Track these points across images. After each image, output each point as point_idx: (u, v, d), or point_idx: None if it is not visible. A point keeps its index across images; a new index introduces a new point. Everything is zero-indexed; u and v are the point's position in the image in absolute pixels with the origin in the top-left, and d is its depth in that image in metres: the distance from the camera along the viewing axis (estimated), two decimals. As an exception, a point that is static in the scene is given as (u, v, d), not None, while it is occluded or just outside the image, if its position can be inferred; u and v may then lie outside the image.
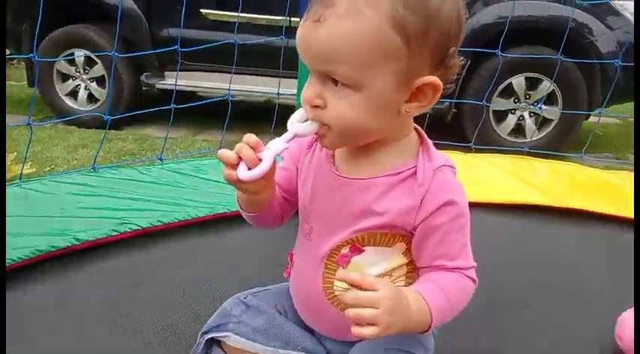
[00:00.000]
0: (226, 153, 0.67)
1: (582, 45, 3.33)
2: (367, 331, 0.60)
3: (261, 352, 0.81)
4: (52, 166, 3.12)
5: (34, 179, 1.46)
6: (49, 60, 3.66)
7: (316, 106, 0.66)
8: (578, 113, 3.37)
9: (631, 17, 3.33)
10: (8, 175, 2.49)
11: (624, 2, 3.32)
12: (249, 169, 0.66)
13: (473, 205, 1.59)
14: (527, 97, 3.51)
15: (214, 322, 0.84)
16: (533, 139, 3.55)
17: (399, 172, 0.70)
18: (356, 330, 0.61)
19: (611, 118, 4.83)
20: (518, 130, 3.56)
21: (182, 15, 2.09)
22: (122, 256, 1.19)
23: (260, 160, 0.66)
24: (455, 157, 1.91)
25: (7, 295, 1.04)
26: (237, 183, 0.68)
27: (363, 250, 0.73)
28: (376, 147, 0.71)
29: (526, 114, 3.55)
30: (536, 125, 3.51)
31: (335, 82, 0.64)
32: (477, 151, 2.14)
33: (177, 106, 1.88)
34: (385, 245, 0.73)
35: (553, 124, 3.53)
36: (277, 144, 0.68)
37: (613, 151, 3.99)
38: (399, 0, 0.61)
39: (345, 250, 0.74)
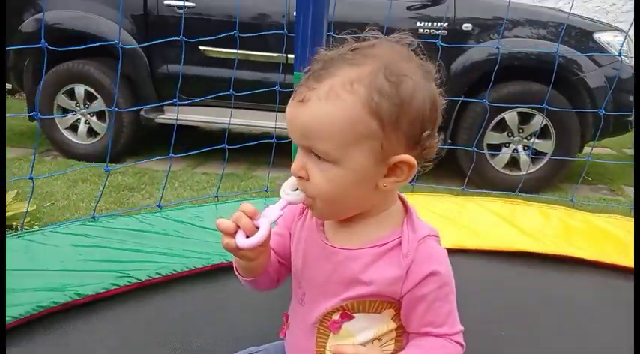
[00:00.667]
0: (224, 223, 0.71)
1: (571, 81, 3.42)
2: None
3: None
4: (53, 201, 3.14)
5: (35, 230, 1.50)
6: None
7: (301, 178, 0.71)
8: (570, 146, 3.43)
9: (615, 53, 3.43)
10: (9, 214, 2.52)
11: (607, 40, 3.43)
12: (247, 236, 0.70)
13: (465, 252, 1.63)
14: (521, 131, 3.58)
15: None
16: (528, 172, 3.61)
17: (385, 243, 0.74)
18: None
19: (605, 149, 4.91)
20: (513, 163, 3.61)
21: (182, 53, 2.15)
22: (121, 309, 1.22)
23: (257, 228, 0.70)
24: (448, 201, 1.96)
25: (12, 352, 1.06)
26: (236, 251, 0.71)
27: (353, 317, 0.76)
28: (363, 218, 0.75)
29: (520, 147, 3.61)
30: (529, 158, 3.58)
31: (317, 156, 0.69)
32: (470, 194, 2.19)
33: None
34: (374, 312, 0.76)
35: (547, 157, 3.59)
36: (272, 212, 0.72)
37: (608, 183, 4.04)
38: (374, 88, 0.66)
39: (336, 317, 0.77)
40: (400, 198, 0.78)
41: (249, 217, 0.71)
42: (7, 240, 1.43)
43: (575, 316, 1.34)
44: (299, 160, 0.71)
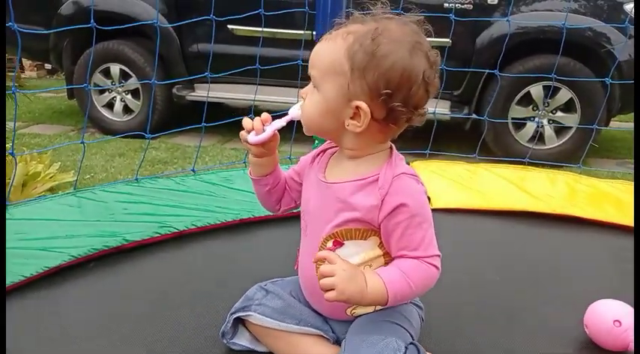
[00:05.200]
0: (246, 121, 0.93)
1: (600, 53, 3.38)
2: (329, 294, 0.79)
3: (278, 328, 0.97)
4: (92, 174, 3.35)
5: (85, 188, 1.66)
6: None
7: (303, 99, 0.90)
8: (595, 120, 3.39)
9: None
10: (52, 184, 2.72)
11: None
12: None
13: (472, 211, 1.71)
14: (546, 104, 3.57)
15: (240, 304, 1.00)
16: (552, 146, 3.61)
17: (366, 178, 0.87)
18: (325, 295, 0.79)
19: (628, 123, 4.82)
20: (539, 137, 3.61)
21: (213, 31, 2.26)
22: (164, 254, 1.38)
23: (264, 131, 0.91)
24: (460, 167, 2.04)
25: (67, 287, 1.22)
26: (245, 143, 0.93)
27: (344, 244, 0.89)
28: (352, 159, 0.90)
29: (545, 121, 3.61)
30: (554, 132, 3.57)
31: (314, 85, 0.87)
32: (482, 161, 2.26)
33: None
34: (361, 238, 0.88)
35: (572, 131, 3.58)
36: (277, 122, 0.92)
37: (613, 156, 4.00)
38: (359, 40, 0.82)
39: (330, 244, 0.89)
40: (390, 147, 0.91)
41: (262, 122, 0.91)
42: (62, 198, 1.60)
43: (571, 269, 1.43)
44: (308, 86, 0.89)
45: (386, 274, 0.85)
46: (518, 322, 1.16)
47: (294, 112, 0.92)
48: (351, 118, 0.84)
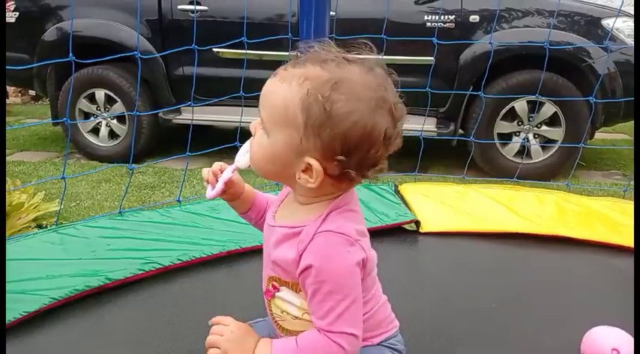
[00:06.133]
0: (203, 173, 0.90)
1: (580, 68, 3.43)
2: (211, 351, 0.78)
3: None
4: (77, 201, 3.30)
5: (67, 225, 1.62)
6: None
7: (251, 135, 0.82)
8: (580, 133, 3.43)
9: (626, 39, 3.43)
10: (36, 214, 2.67)
11: (616, 25, 3.42)
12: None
13: (465, 235, 1.70)
14: (530, 119, 3.61)
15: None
16: (538, 159, 3.64)
17: (295, 227, 0.79)
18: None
19: (619, 135, 4.89)
20: (525, 151, 3.64)
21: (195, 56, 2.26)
22: (148, 292, 1.35)
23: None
24: (449, 189, 2.04)
25: (49, 331, 1.18)
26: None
27: (279, 290, 0.85)
28: (299, 203, 0.83)
29: (530, 136, 3.64)
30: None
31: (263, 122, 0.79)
32: (470, 182, 2.27)
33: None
34: (292, 290, 0.83)
35: (557, 144, 3.61)
36: (225, 173, 0.88)
37: (621, 168, 4.04)
38: (317, 89, 0.73)
39: (270, 287, 0.86)
40: (338, 196, 0.81)
41: (214, 174, 0.88)
42: (43, 235, 1.56)
43: (565, 291, 1.42)
44: (256, 121, 0.81)
45: (280, 346, 0.79)
46: (514, 349, 1.14)
47: (240, 160, 0.86)
48: (303, 171, 0.76)
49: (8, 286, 1.29)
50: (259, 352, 0.78)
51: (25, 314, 1.19)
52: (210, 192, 0.88)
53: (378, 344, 0.89)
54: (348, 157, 0.74)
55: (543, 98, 3.15)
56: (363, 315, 0.82)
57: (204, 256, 1.48)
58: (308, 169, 0.75)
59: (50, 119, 4.28)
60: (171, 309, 1.28)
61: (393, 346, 0.90)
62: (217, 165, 0.89)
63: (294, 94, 0.74)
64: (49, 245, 1.49)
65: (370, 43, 0.80)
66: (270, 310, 0.89)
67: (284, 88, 0.75)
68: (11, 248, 1.48)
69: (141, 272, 1.38)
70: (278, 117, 0.75)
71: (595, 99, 2.52)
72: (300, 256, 0.77)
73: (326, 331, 0.76)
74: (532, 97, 3.24)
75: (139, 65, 2.10)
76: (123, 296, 1.31)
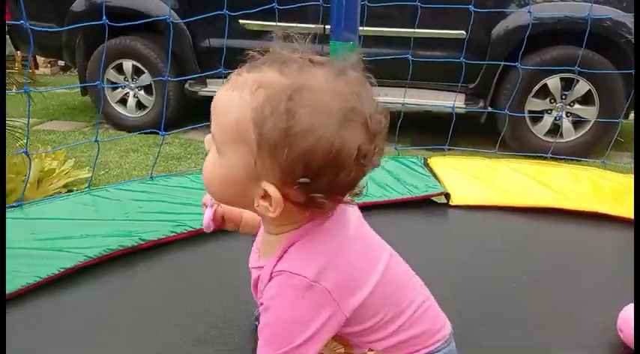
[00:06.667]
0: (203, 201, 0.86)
1: (619, 44, 3.30)
2: None
3: None
4: (106, 170, 3.36)
5: (100, 187, 1.65)
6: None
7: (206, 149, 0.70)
8: (615, 113, 3.31)
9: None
10: (67, 180, 2.73)
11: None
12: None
13: (496, 209, 1.67)
14: (563, 97, 3.50)
15: None
16: (570, 139, 3.54)
17: (259, 268, 0.72)
18: None
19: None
20: (556, 130, 3.55)
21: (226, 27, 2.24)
22: (179, 253, 1.36)
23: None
24: (480, 162, 1.99)
25: (83, 289, 1.21)
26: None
27: None
28: (266, 235, 0.73)
29: (563, 114, 3.54)
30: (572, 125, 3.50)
31: None
32: (501, 156, 2.22)
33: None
34: None
35: (590, 124, 3.51)
36: (207, 212, 0.85)
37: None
38: (270, 102, 0.59)
39: None
40: (304, 227, 0.68)
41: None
42: (76, 196, 1.59)
43: (601, 268, 1.38)
44: (209, 135, 0.68)
45: None
46: (548, 325, 1.13)
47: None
48: (262, 197, 0.64)
49: (44, 244, 1.32)
50: None
51: (62, 270, 1.22)
52: (207, 225, 0.86)
53: None
54: (313, 180, 0.60)
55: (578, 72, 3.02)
56: (380, 338, 0.75)
57: (234, 221, 1.49)
58: (267, 195, 0.63)
59: (80, 88, 4.34)
60: (200, 271, 1.30)
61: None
62: (203, 199, 0.85)
63: (245, 105, 0.61)
64: (82, 206, 1.51)
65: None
66: None
67: (235, 98, 0.62)
68: (46, 208, 1.52)
69: (172, 234, 1.39)
70: (229, 133, 0.63)
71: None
72: (260, 297, 0.70)
73: None
74: (569, 75, 3.14)
75: (170, 29, 2.09)
76: (155, 256, 1.33)
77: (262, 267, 0.71)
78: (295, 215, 0.66)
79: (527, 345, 1.07)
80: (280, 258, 0.68)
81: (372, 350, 0.77)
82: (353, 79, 0.63)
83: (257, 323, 0.99)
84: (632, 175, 1.92)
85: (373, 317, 0.72)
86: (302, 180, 0.60)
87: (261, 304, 0.69)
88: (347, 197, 0.67)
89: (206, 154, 0.68)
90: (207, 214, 0.85)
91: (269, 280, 0.68)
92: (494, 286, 1.26)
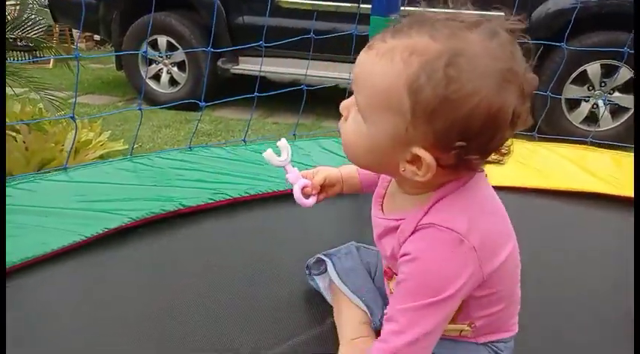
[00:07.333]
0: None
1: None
2: None
3: (338, 286, 0.95)
4: (140, 144, 3.42)
5: (141, 155, 1.69)
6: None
7: (341, 116, 0.71)
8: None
9: None
10: (103, 151, 2.80)
11: None
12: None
13: (536, 192, 1.63)
14: (603, 84, 3.41)
15: (331, 250, 1.01)
16: (607, 128, 3.45)
17: (397, 220, 0.71)
18: None
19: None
20: (593, 118, 3.46)
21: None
22: (217, 220, 1.39)
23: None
24: (519, 146, 1.96)
25: (125, 249, 1.24)
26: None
27: (394, 275, 0.79)
28: (406, 192, 0.73)
29: (600, 102, 3.45)
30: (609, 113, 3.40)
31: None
32: (540, 140, 2.17)
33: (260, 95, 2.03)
34: None
35: (630, 112, 3.41)
36: (295, 190, 0.89)
37: None
38: (427, 68, 0.59)
39: (387, 269, 0.82)
40: (447, 186, 0.68)
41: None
42: (119, 162, 1.63)
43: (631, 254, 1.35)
44: (349, 100, 0.70)
45: None
46: (578, 309, 1.11)
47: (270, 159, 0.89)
48: (409, 162, 0.64)
49: (88, 205, 1.36)
50: None
51: (106, 230, 1.25)
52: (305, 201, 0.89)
53: (482, 344, 0.80)
54: (468, 143, 0.60)
55: (619, 59, 2.92)
56: (486, 315, 0.75)
57: (270, 191, 1.51)
58: (415, 159, 0.63)
59: (114, 62, 4.41)
60: (235, 239, 1.32)
61: (495, 349, 0.80)
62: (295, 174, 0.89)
63: (398, 73, 0.60)
64: (124, 172, 1.55)
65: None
66: (390, 288, 0.84)
67: (384, 66, 0.61)
68: (89, 172, 1.56)
69: (211, 201, 1.42)
70: (378, 101, 0.63)
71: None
72: (400, 247, 0.69)
73: (388, 339, 0.67)
74: (610, 61, 3.04)
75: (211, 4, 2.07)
76: (195, 221, 1.36)
77: (397, 219, 0.71)
78: (442, 177, 0.66)
79: (554, 323, 1.05)
80: (427, 212, 0.67)
81: (471, 324, 0.76)
82: (505, 39, 0.62)
83: (307, 272, 1.04)
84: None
85: (491, 289, 0.71)
86: (458, 144, 0.60)
87: (403, 255, 0.68)
88: (493, 157, 0.67)
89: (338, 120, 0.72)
90: (297, 192, 0.88)
91: (412, 233, 0.68)
92: (528, 268, 1.24)
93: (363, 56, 0.65)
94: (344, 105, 0.70)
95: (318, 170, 0.94)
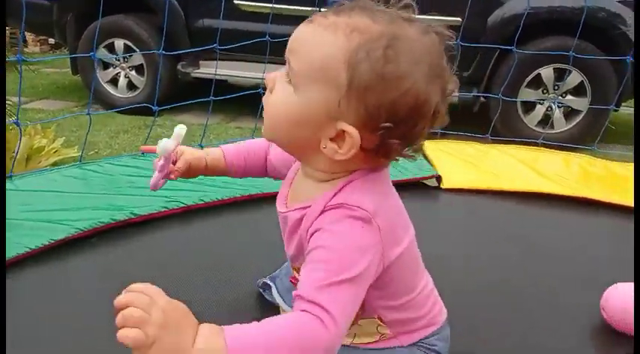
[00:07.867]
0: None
1: (613, 36, 3.31)
2: (126, 333, 0.53)
3: (280, 304, 0.96)
4: (96, 150, 3.33)
5: (90, 161, 1.64)
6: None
7: (267, 88, 0.70)
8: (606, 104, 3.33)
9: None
10: (56, 158, 2.70)
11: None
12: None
13: (488, 193, 1.68)
14: (556, 88, 3.52)
15: (274, 273, 1.03)
16: (561, 130, 3.57)
17: (305, 207, 0.70)
18: (118, 333, 0.53)
19: (624, 110, 4.74)
20: (547, 121, 3.57)
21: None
22: (170, 229, 1.36)
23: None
24: (472, 147, 2.01)
25: (72, 260, 1.20)
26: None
27: None
28: (310, 181, 0.72)
29: (554, 105, 3.56)
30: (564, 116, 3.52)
31: (289, 78, 0.67)
32: (494, 142, 2.23)
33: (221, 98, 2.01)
34: None
35: (581, 115, 3.53)
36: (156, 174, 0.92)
37: (626, 142, 3.94)
38: (367, 46, 0.61)
39: (295, 276, 0.81)
40: (358, 171, 0.69)
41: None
42: (68, 169, 1.58)
43: (588, 252, 1.40)
44: (275, 72, 0.69)
45: (235, 332, 0.56)
46: (533, 306, 1.14)
47: (165, 147, 0.87)
48: (332, 139, 0.65)
49: (34, 215, 1.31)
50: (206, 342, 0.54)
51: (52, 242, 1.21)
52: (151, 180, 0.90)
53: (408, 346, 0.78)
54: (393, 129, 0.62)
55: (570, 63, 3.03)
56: (391, 307, 0.75)
57: (226, 198, 1.49)
58: (339, 136, 0.64)
59: (70, 66, 4.28)
60: (189, 248, 1.29)
61: (430, 346, 0.79)
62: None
63: (339, 46, 0.62)
64: (73, 179, 1.50)
65: (412, 3, 0.67)
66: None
67: (326, 37, 0.63)
68: (35, 180, 1.50)
69: (164, 209, 1.39)
70: (315, 71, 0.63)
71: (632, 58, 2.41)
72: (307, 231, 0.67)
73: (308, 301, 0.59)
74: (560, 58, 3.14)
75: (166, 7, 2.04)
76: (147, 231, 1.33)
77: (302, 207, 0.70)
78: (357, 162, 0.67)
79: (513, 328, 1.08)
80: (336, 194, 0.68)
81: (380, 318, 0.76)
82: (436, 39, 0.65)
83: (261, 290, 1.04)
84: (622, 164, 1.95)
85: (392, 281, 0.72)
86: (385, 124, 0.62)
87: (313, 233, 0.66)
88: (408, 151, 0.68)
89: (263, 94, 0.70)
90: (157, 176, 0.90)
91: (320, 214, 0.67)
92: (482, 269, 1.28)
93: (302, 27, 0.67)
94: (269, 77, 0.70)
95: (183, 153, 0.93)
